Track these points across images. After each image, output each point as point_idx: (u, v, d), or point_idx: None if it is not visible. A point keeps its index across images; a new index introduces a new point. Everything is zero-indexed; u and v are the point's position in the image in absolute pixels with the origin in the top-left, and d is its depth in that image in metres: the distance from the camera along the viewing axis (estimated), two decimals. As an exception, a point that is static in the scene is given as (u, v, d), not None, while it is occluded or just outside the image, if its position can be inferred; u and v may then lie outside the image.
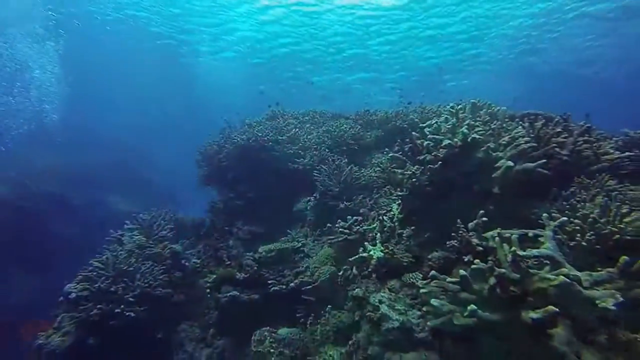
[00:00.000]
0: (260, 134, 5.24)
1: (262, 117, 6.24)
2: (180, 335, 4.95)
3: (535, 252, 2.10)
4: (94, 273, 4.75)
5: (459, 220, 2.85)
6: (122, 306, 4.54)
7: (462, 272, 2.19)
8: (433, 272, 2.62)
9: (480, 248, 2.51)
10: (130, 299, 4.61)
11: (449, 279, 2.36)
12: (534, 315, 1.94)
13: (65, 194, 14.64)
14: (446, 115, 4.06)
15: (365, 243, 3.84)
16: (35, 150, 16.27)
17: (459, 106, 4.15)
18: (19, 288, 11.59)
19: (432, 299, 2.33)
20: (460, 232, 2.78)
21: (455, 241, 2.85)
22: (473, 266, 2.19)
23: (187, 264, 5.61)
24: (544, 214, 2.45)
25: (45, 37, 17.48)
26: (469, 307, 1.99)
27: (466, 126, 3.30)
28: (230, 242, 5.51)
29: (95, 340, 4.43)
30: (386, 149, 5.05)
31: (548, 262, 2.12)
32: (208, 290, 4.66)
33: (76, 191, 15.01)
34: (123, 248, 5.20)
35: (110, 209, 15.26)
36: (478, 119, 3.62)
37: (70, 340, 4.37)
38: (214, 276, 4.71)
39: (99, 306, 4.47)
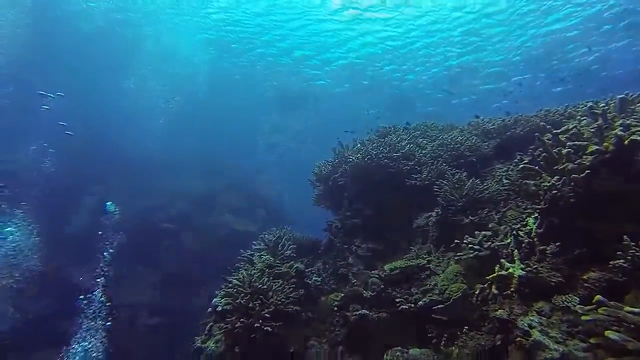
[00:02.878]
0: (374, 152, 5.35)
1: (373, 134, 6.35)
2: (311, 351, 5.20)
3: None
4: (234, 290, 5.31)
5: (626, 237, 2.52)
6: (260, 321, 4.97)
7: (648, 300, 1.92)
8: (599, 296, 2.36)
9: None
10: (267, 315, 5.03)
11: (627, 308, 2.09)
12: None
13: (191, 215, 16.87)
14: (586, 118, 3.68)
15: (502, 260, 3.62)
16: (171, 175, 19.08)
17: (601, 104, 3.72)
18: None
19: (609, 332, 2.08)
20: (632, 250, 2.44)
21: (623, 261, 2.52)
22: (663, 294, 1.90)
23: (309, 282, 5.91)
24: None
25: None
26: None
27: (620, 127, 2.92)
28: (349, 259, 5.66)
29: (240, 349, 4.93)
30: (515, 160, 4.71)
31: None
32: (336, 308, 4.84)
33: (199, 212, 17.16)
34: (255, 267, 5.71)
35: (228, 228, 17.02)
36: (634, 116, 3.17)
37: (222, 347, 4.95)
38: (342, 294, 4.88)
39: (241, 319, 4.98)
